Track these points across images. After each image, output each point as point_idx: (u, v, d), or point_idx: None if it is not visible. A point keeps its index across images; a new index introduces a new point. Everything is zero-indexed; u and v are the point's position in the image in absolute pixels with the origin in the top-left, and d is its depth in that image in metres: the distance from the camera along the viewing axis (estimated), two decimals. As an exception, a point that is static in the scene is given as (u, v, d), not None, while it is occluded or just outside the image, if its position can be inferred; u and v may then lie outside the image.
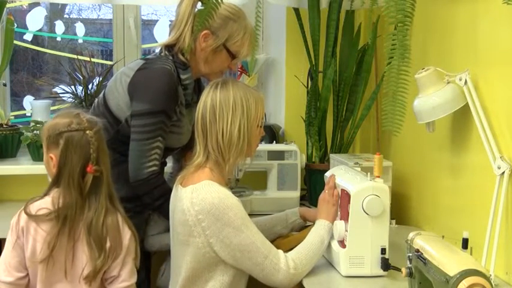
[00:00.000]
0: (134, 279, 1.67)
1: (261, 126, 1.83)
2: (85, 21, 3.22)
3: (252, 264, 1.71)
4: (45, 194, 1.63)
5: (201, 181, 1.73)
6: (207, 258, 1.72)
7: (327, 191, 1.86)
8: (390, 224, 1.82)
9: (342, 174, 1.92)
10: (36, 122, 2.72)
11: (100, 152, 1.63)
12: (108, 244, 1.59)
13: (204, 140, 1.78)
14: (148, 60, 2.05)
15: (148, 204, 1.99)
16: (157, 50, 2.14)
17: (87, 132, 1.61)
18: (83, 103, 2.75)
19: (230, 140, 1.75)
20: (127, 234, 1.65)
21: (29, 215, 1.57)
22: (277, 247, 1.78)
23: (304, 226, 2.05)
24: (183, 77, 2.02)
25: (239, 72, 2.95)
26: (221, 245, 1.69)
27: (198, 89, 2.17)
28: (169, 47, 2.05)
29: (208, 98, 1.79)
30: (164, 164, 2.17)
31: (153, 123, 1.91)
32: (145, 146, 1.91)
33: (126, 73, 2.01)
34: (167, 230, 2.14)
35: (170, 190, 1.90)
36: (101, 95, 2.10)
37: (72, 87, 2.81)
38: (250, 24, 2.07)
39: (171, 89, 1.95)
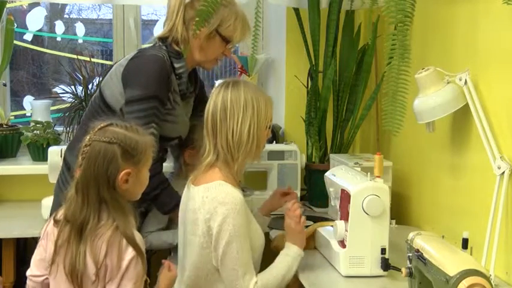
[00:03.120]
0: None
1: (269, 128, 1.84)
2: (85, 21, 3.22)
3: (226, 276, 1.70)
4: None
5: (214, 181, 1.73)
6: (210, 259, 1.71)
7: (292, 220, 1.79)
8: (390, 224, 1.81)
9: (342, 174, 1.91)
10: (36, 122, 2.72)
11: (87, 165, 1.49)
12: (99, 258, 1.46)
13: (214, 139, 1.78)
14: (142, 49, 2.08)
15: (145, 193, 1.96)
16: (151, 38, 2.15)
17: (87, 137, 1.53)
18: (83, 103, 2.76)
19: (240, 139, 1.75)
20: (128, 256, 1.48)
21: (54, 220, 1.56)
22: (278, 243, 1.78)
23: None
24: (176, 65, 2.02)
25: (239, 72, 2.95)
26: (215, 245, 1.69)
27: (195, 79, 2.18)
28: (163, 39, 2.06)
29: (219, 97, 1.78)
30: (163, 159, 2.16)
31: (146, 108, 1.91)
32: None
33: (121, 63, 2.04)
34: (166, 227, 2.14)
35: (167, 181, 1.89)
36: (98, 88, 2.11)
37: (72, 87, 2.82)
38: (241, 9, 2.08)
39: (162, 75, 1.95)
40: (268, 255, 1.84)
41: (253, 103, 1.76)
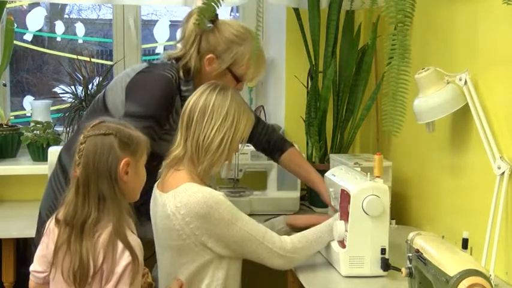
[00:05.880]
0: None
1: (242, 143, 1.82)
2: (85, 22, 3.22)
3: (248, 252, 1.73)
4: None
5: (180, 185, 1.71)
6: (201, 256, 1.70)
7: None
8: (390, 224, 1.81)
9: (342, 174, 1.91)
10: (36, 122, 2.72)
11: (86, 161, 1.48)
12: (97, 262, 1.46)
13: (186, 134, 1.77)
14: (152, 64, 2.04)
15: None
16: (162, 55, 2.09)
17: (81, 135, 1.53)
18: (83, 103, 2.76)
19: (210, 145, 1.73)
20: (123, 261, 1.46)
21: (55, 219, 1.55)
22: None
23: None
24: (183, 88, 1.99)
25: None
26: (215, 241, 1.69)
27: None
28: (176, 58, 2.02)
29: (202, 96, 1.76)
30: (159, 166, 2.14)
31: (142, 126, 1.86)
32: None
33: (129, 73, 2.01)
34: None
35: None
36: (104, 90, 2.09)
37: (72, 87, 2.82)
38: (258, 45, 1.98)
39: (166, 97, 1.93)
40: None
41: (234, 116, 1.75)
